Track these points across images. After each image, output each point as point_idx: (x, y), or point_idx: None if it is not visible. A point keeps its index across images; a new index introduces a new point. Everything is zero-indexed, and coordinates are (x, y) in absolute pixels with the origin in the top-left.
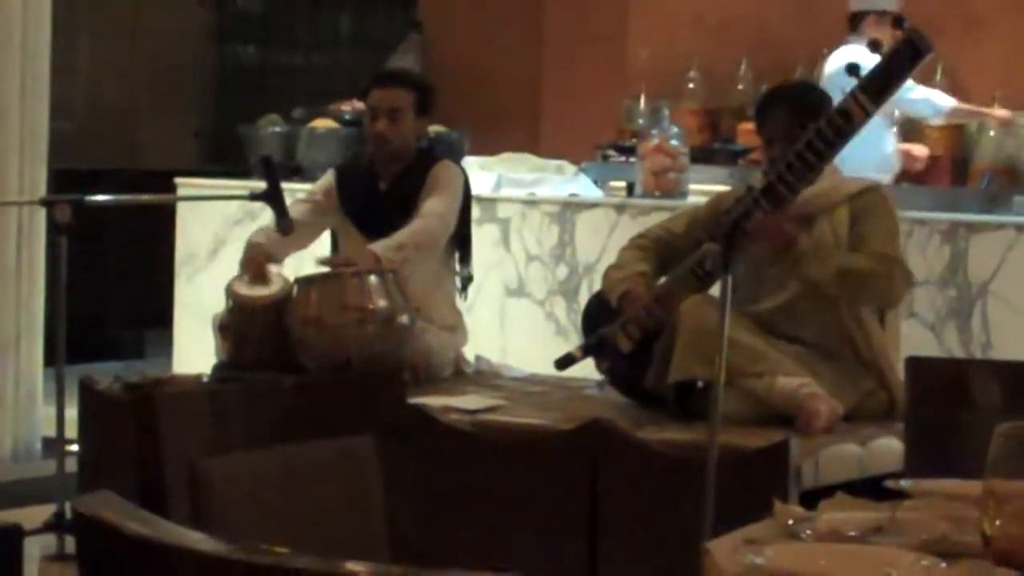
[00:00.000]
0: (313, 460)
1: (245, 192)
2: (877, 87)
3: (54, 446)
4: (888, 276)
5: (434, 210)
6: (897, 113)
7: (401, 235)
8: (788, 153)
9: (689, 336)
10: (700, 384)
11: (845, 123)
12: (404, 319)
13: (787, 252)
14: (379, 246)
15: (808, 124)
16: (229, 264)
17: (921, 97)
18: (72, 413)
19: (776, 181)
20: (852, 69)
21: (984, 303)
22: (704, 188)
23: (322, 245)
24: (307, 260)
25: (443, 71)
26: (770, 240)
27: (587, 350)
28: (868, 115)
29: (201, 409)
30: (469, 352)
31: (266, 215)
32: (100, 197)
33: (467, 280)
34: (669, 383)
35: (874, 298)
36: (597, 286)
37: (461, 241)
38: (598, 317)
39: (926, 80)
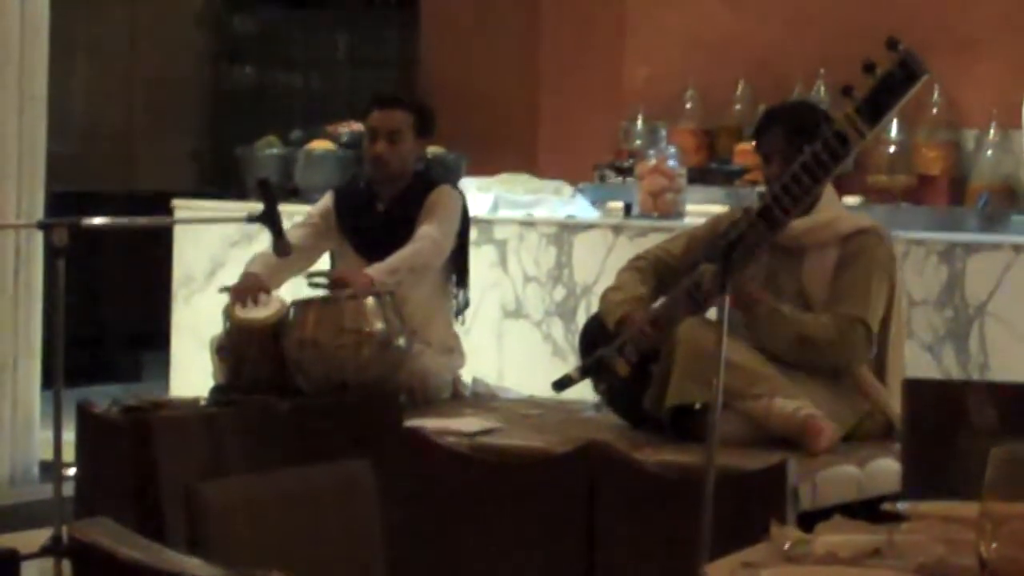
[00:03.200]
0: (310, 483)
1: (242, 214)
2: (872, 109)
3: (51, 469)
4: (845, 343)
5: (429, 234)
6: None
7: (395, 259)
8: (784, 175)
9: (686, 360)
10: (697, 406)
11: (841, 145)
12: (401, 342)
13: (747, 314)
14: (373, 270)
15: (805, 144)
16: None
17: None
18: (70, 436)
19: (772, 203)
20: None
21: (982, 323)
22: (701, 208)
23: (320, 266)
24: (304, 282)
25: (441, 92)
26: (731, 303)
27: (585, 372)
28: (864, 137)
29: (198, 433)
30: (466, 374)
31: (264, 237)
32: (97, 220)
33: (463, 305)
34: (667, 407)
35: (831, 363)
36: (595, 307)
37: (459, 265)
38: (596, 338)
39: (923, 101)
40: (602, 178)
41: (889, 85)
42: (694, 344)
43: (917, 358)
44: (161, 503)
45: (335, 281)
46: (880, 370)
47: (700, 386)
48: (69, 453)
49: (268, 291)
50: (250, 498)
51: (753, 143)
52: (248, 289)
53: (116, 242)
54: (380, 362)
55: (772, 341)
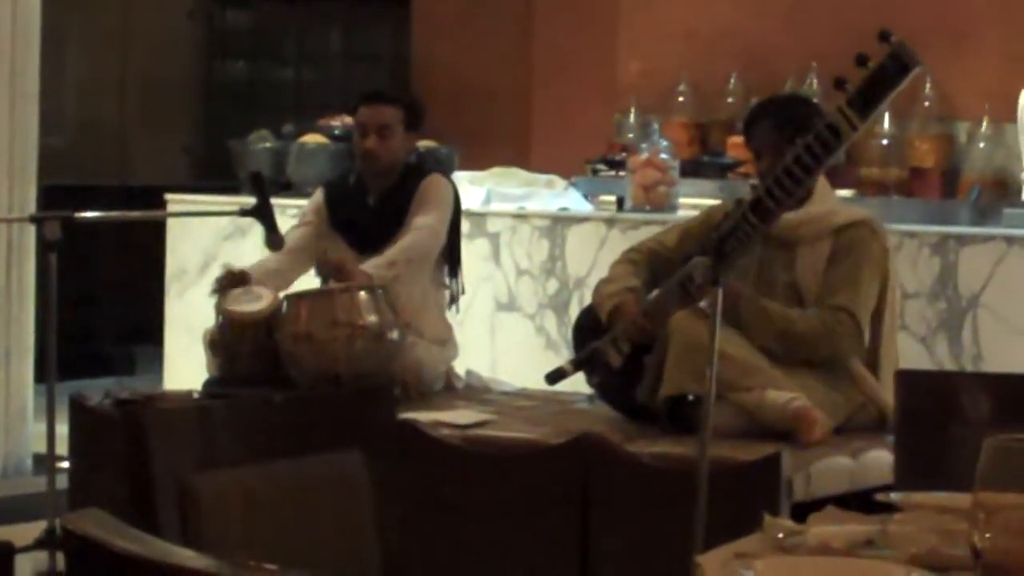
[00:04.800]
0: (303, 476)
1: (235, 208)
2: (864, 101)
3: (45, 463)
4: (832, 335)
5: (425, 224)
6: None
7: (392, 252)
8: (776, 168)
9: (680, 351)
10: (691, 398)
11: (833, 138)
12: (394, 334)
13: (731, 311)
14: (370, 265)
15: (796, 137)
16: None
17: None
18: (63, 430)
19: (764, 196)
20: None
21: (974, 316)
22: (694, 202)
23: None
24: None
25: (433, 86)
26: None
27: (578, 364)
28: (856, 129)
29: (191, 425)
30: (459, 367)
31: (256, 231)
32: (90, 214)
33: (457, 294)
34: (660, 398)
35: (818, 356)
36: (587, 300)
37: (451, 255)
38: (589, 331)
39: (915, 94)
40: (595, 171)
41: (881, 77)
42: (687, 335)
43: (910, 350)
44: (154, 496)
45: (335, 268)
46: (873, 362)
47: (694, 377)
48: (62, 446)
49: (249, 281)
50: (243, 490)
51: (743, 138)
52: (229, 277)
53: (109, 236)
54: (373, 355)
55: (758, 337)
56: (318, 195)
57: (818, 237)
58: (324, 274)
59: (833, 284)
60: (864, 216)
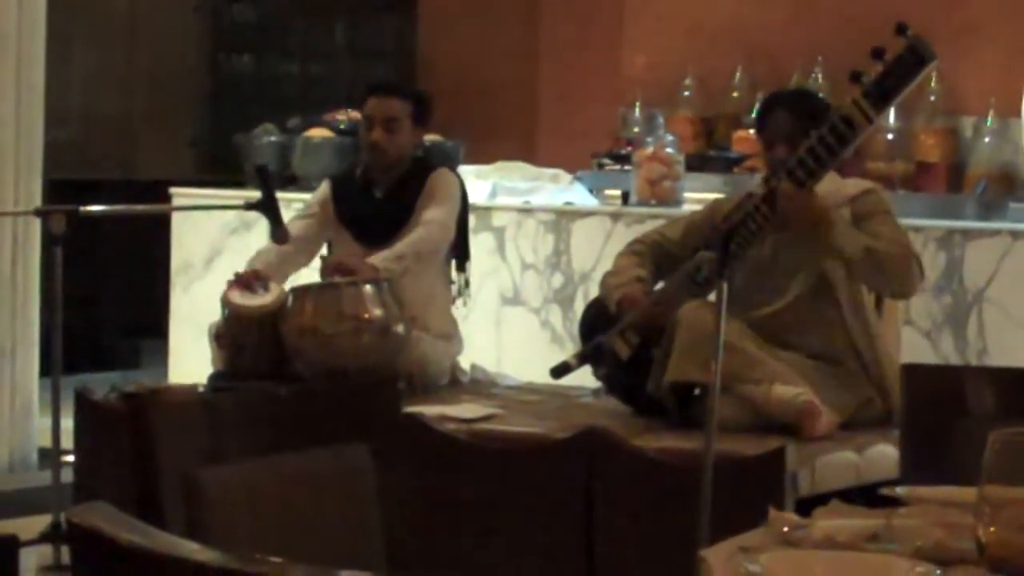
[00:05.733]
0: (309, 469)
1: (240, 202)
2: (880, 94)
3: (50, 456)
4: (907, 265)
5: (434, 218)
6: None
7: (401, 245)
8: (790, 159)
9: (687, 340)
10: (697, 391)
11: (848, 130)
12: (400, 328)
13: (816, 227)
14: (378, 258)
15: (809, 128)
16: (225, 274)
17: None
18: (68, 423)
19: (777, 187)
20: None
21: (980, 310)
22: (699, 196)
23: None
24: (305, 270)
25: (439, 80)
26: (798, 213)
27: (583, 358)
28: (871, 122)
29: (197, 419)
30: (465, 361)
31: (262, 225)
32: (95, 207)
33: (463, 288)
34: (665, 383)
35: (893, 283)
36: (593, 294)
37: (458, 249)
38: (595, 325)
39: (922, 87)
40: (600, 165)
41: (898, 70)
42: (695, 325)
43: (915, 344)
44: (160, 489)
45: (337, 268)
46: (878, 357)
47: (699, 366)
48: (67, 440)
49: (267, 283)
50: (249, 483)
51: (755, 129)
52: (248, 277)
53: (114, 229)
54: (379, 348)
55: (848, 246)
56: (324, 188)
57: (835, 208)
58: (341, 274)
59: (881, 234)
60: (872, 184)
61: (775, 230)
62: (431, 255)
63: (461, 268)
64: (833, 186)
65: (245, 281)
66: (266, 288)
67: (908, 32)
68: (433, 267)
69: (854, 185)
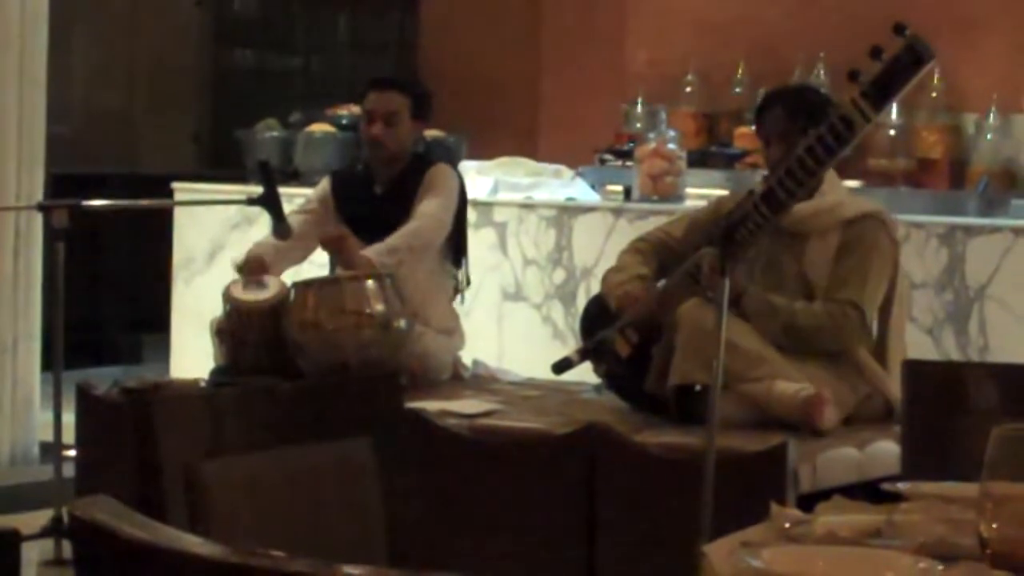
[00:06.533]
0: (310, 464)
1: (242, 197)
2: (878, 93)
3: (52, 451)
4: (836, 328)
5: (427, 211)
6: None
7: (394, 238)
8: (789, 159)
9: (689, 340)
10: (698, 388)
11: (846, 129)
12: (401, 323)
13: (735, 304)
14: (372, 251)
15: (807, 126)
16: (226, 268)
17: None
18: (70, 418)
19: (776, 186)
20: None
21: (981, 307)
22: (701, 192)
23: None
24: (304, 264)
25: (440, 75)
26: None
27: (584, 354)
28: (869, 121)
29: (198, 413)
30: (466, 356)
31: (264, 220)
32: (97, 202)
33: (463, 284)
34: (669, 386)
35: (824, 348)
36: (594, 290)
37: (457, 244)
38: (596, 321)
39: (924, 83)
40: (602, 161)
41: (896, 69)
42: (697, 324)
43: (917, 341)
44: (161, 484)
45: (323, 241)
46: (881, 353)
47: (702, 366)
48: (69, 435)
49: (268, 272)
50: (251, 477)
51: (754, 126)
52: (255, 271)
53: (116, 224)
54: (380, 343)
55: (763, 331)
56: (325, 184)
57: (828, 229)
58: (328, 248)
59: (841, 277)
60: (874, 208)
61: (772, 230)
62: (424, 248)
63: (457, 264)
64: (835, 200)
65: (251, 268)
66: (267, 279)
67: (906, 31)
68: (433, 262)
69: (855, 207)
